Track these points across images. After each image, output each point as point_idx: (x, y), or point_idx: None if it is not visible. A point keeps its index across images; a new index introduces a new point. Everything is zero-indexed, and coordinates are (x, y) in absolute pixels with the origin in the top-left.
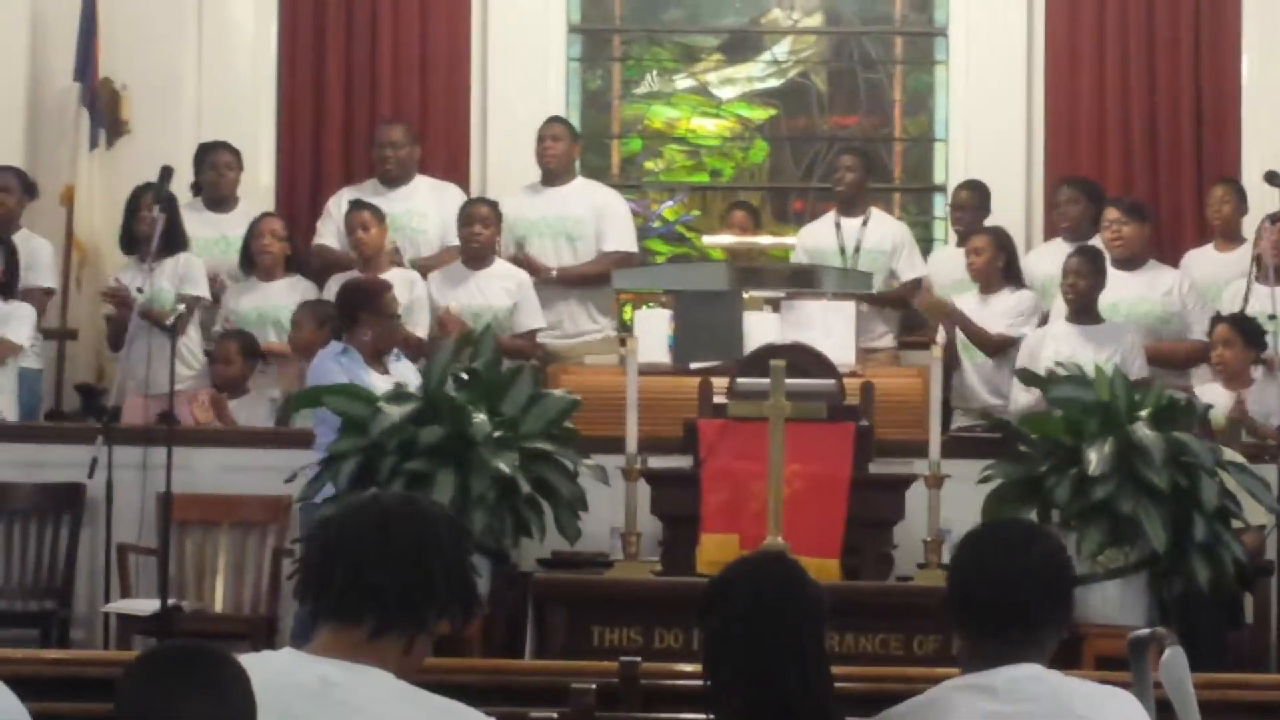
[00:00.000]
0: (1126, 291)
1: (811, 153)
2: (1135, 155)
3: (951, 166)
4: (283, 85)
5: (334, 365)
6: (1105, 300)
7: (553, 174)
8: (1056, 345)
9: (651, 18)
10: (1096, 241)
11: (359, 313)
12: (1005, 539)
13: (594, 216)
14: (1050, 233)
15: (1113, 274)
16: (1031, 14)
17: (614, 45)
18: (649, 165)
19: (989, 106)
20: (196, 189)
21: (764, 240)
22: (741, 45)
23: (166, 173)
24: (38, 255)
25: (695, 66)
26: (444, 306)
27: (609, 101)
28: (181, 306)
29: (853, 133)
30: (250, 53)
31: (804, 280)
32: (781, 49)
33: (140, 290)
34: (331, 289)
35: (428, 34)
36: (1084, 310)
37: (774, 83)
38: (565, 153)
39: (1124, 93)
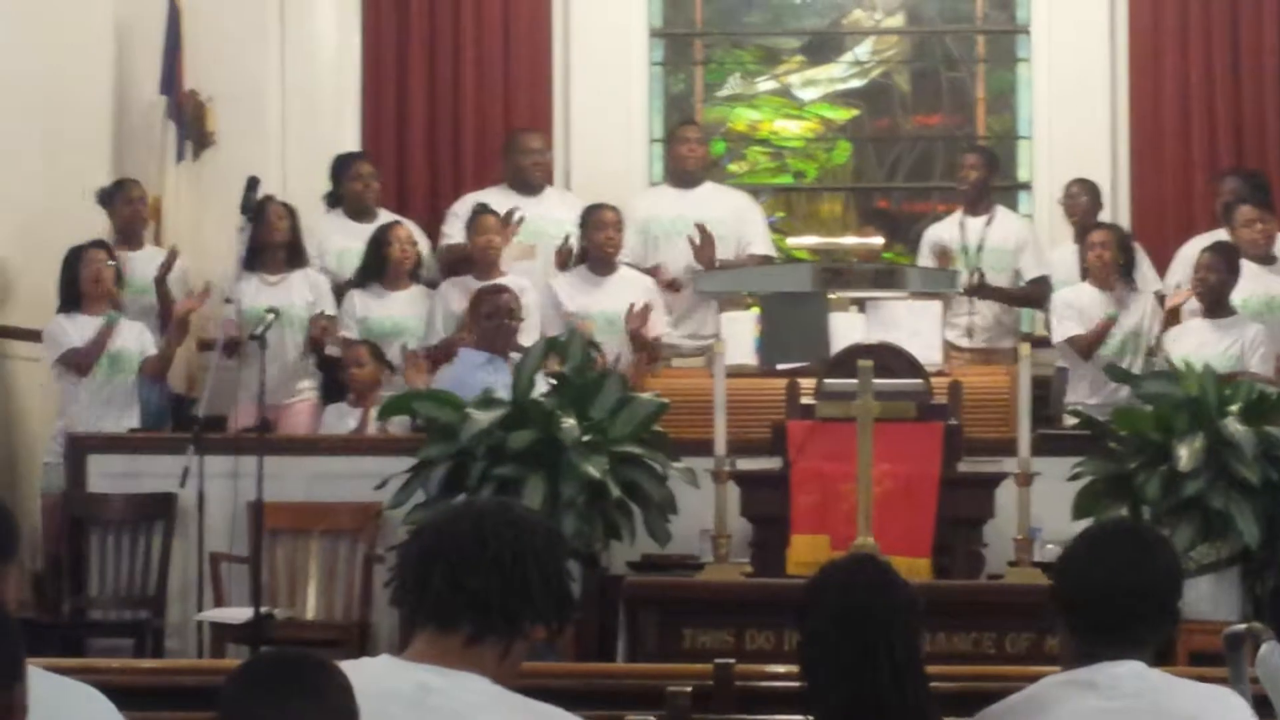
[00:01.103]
0: (1255, 282)
1: (895, 153)
2: (1220, 148)
3: (1036, 164)
4: (366, 95)
5: (466, 372)
6: (1242, 296)
7: (687, 176)
8: (1186, 341)
9: (733, 21)
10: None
11: (479, 312)
12: (1121, 540)
13: (733, 219)
14: (1149, 227)
15: (1252, 269)
16: (1114, 8)
17: (696, 49)
18: (732, 168)
19: (1072, 103)
20: (334, 199)
21: (848, 241)
22: (823, 46)
23: (253, 183)
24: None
25: (777, 68)
26: (571, 315)
27: (692, 104)
28: (270, 317)
29: (935, 132)
30: (334, 62)
31: (888, 281)
32: (863, 49)
33: (229, 301)
34: (446, 293)
35: (510, 41)
36: (1215, 305)
37: (856, 83)
38: (703, 155)
39: (1209, 85)
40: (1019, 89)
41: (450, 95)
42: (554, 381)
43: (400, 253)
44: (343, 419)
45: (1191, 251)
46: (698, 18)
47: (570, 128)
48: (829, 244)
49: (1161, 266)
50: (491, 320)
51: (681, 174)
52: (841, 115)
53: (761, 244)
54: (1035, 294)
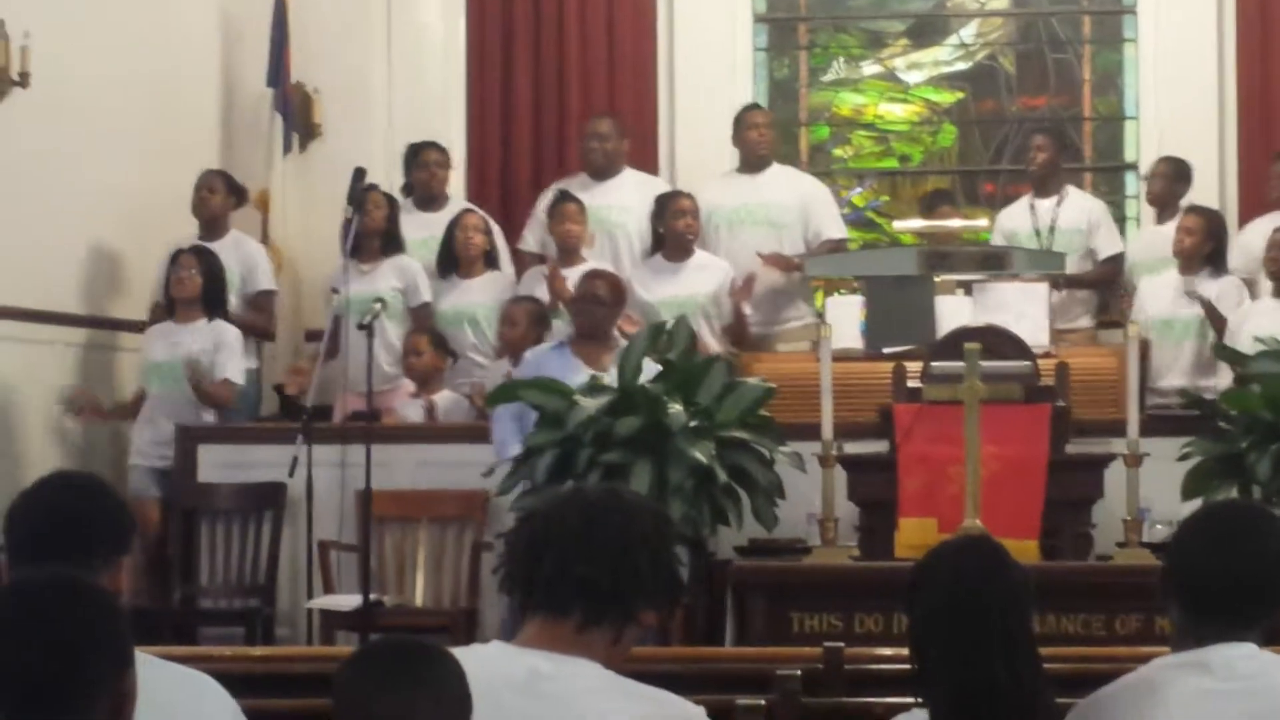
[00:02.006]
0: None
1: (1001, 135)
2: None
3: (1143, 145)
4: (471, 85)
5: (544, 361)
6: None
7: (758, 161)
8: (1259, 320)
9: (837, 4)
10: None
11: (581, 304)
12: (1237, 522)
13: (800, 204)
14: (1255, 209)
15: None
16: None
17: (800, 33)
18: (837, 152)
19: (1180, 83)
20: (408, 189)
21: (955, 224)
22: (928, 29)
23: (360, 174)
24: (255, 259)
25: (882, 52)
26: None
27: (796, 89)
28: (378, 306)
29: (1042, 114)
30: (439, 54)
31: (994, 263)
32: (968, 32)
33: (336, 291)
34: (530, 284)
35: (614, 28)
36: None
37: (961, 66)
38: (772, 139)
39: None
40: (1126, 69)
41: (555, 85)
42: (660, 367)
43: (466, 240)
44: (405, 409)
45: (1252, 238)
46: (802, 2)
47: (675, 115)
48: (934, 227)
49: None
50: (597, 309)
51: (751, 160)
52: (947, 98)
53: (833, 227)
54: (1110, 274)
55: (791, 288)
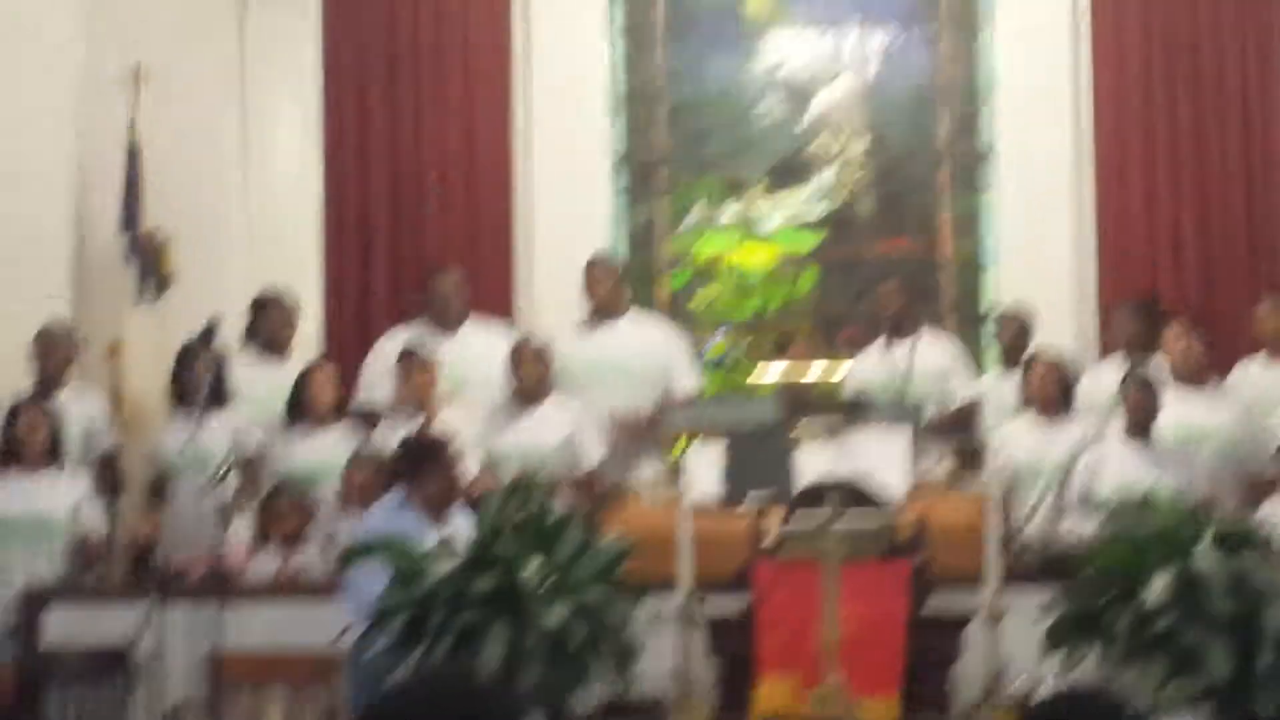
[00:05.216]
0: (1192, 410)
1: (861, 279)
2: (1188, 272)
3: (1001, 290)
4: (328, 229)
5: (392, 518)
6: (1170, 419)
7: (605, 310)
8: (1117, 468)
9: (697, 147)
10: (1157, 358)
11: (424, 465)
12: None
13: (655, 353)
14: (1106, 351)
15: (1178, 392)
16: (1079, 135)
17: (660, 176)
18: (697, 298)
19: (1038, 228)
20: (251, 336)
21: (814, 370)
22: (788, 173)
23: (212, 325)
24: (96, 415)
25: (742, 196)
26: (482, 462)
27: (656, 234)
28: (228, 460)
29: (902, 257)
30: (295, 199)
31: (854, 412)
32: (828, 175)
33: (182, 451)
34: (385, 437)
35: (473, 169)
36: (1142, 431)
37: (821, 209)
38: (616, 287)
39: (1175, 210)
40: (984, 213)
41: (413, 230)
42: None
43: (316, 392)
44: (259, 567)
45: (1103, 380)
46: (662, 145)
47: (534, 257)
48: (793, 374)
49: None
50: (458, 472)
51: (597, 309)
52: (807, 242)
53: (688, 377)
54: (967, 417)
55: (649, 438)
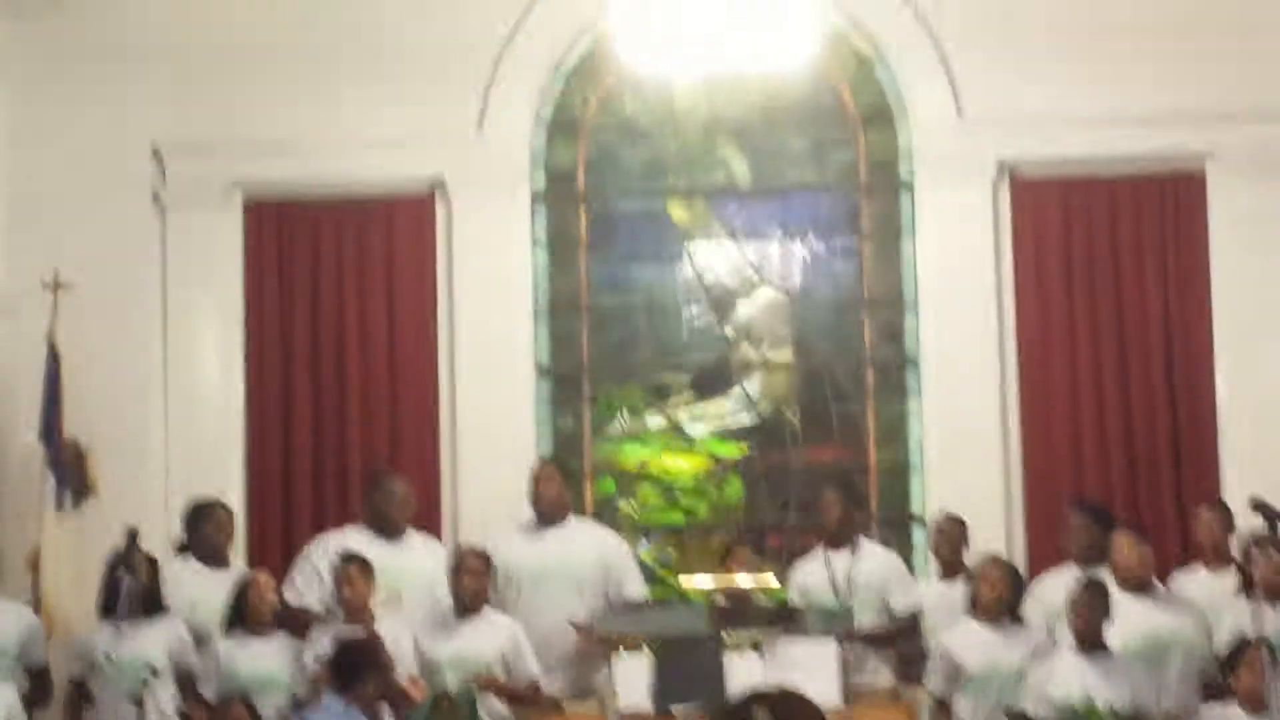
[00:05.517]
0: (1152, 618)
1: (787, 487)
2: (1114, 477)
3: (928, 496)
4: (251, 441)
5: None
6: (1131, 627)
7: (550, 515)
8: (1066, 679)
9: (621, 357)
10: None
11: (364, 670)
12: None
13: (600, 560)
14: (1042, 561)
15: (1125, 599)
16: (1003, 342)
17: (584, 386)
18: (623, 506)
19: (964, 434)
20: (184, 547)
21: (743, 578)
22: (712, 382)
23: (132, 535)
24: (32, 629)
25: (666, 404)
26: (411, 676)
27: (581, 443)
28: (147, 675)
29: (828, 465)
30: (217, 409)
31: (785, 620)
32: (752, 384)
33: (109, 657)
34: (320, 641)
35: (396, 381)
36: (1092, 641)
37: (746, 418)
38: (561, 493)
39: (1100, 418)
40: (910, 420)
41: (336, 437)
42: None
43: (259, 599)
44: None
45: (1048, 590)
46: (585, 355)
47: (458, 467)
48: (723, 582)
49: None
50: (392, 674)
51: (541, 514)
52: (733, 451)
53: (633, 584)
54: (907, 628)
55: (590, 650)
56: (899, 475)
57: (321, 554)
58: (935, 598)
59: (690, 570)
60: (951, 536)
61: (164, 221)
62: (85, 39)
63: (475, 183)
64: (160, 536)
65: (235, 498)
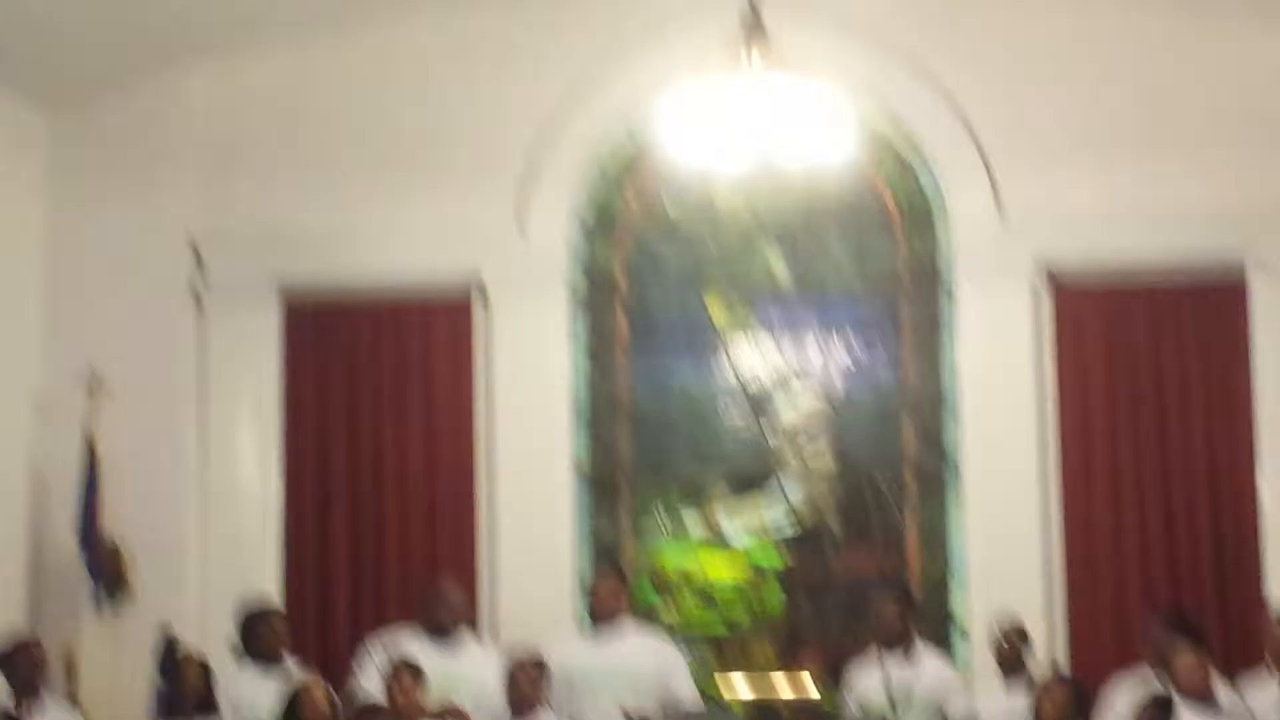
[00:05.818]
0: None
1: (828, 596)
2: (1157, 585)
3: (971, 604)
4: (288, 543)
5: None
6: None
7: (610, 617)
8: None
9: (661, 462)
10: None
11: None
12: None
13: (656, 667)
14: (1084, 667)
15: (1188, 711)
16: (1045, 446)
17: (623, 489)
18: (664, 615)
19: (1005, 541)
20: (241, 651)
21: (782, 684)
22: (750, 483)
23: (170, 643)
24: None
25: (706, 510)
26: None
27: (620, 547)
28: None
29: (869, 573)
30: (255, 510)
31: None
32: (791, 487)
33: None
34: None
35: (434, 482)
36: None
37: (787, 526)
38: (619, 597)
39: (1142, 526)
40: (950, 527)
41: (373, 541)
42: None
43: (313, 711)
44: None
45: (1119, 700)
46: (625, 459)
47: (496, 570)
48: (765, 689)
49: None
50: None
51: (599, 620)
52: (773, 559)
53: (687, 692)
54: None
55: None
56: (940, 583)
57: (378, 652)
58: (996, 709)
59: (732, 679)
60: (1014, 640)
61: (202, 320)
62: (120, 134)
63: (515, 283)
64: (196, 637)
65: (272, 597)
